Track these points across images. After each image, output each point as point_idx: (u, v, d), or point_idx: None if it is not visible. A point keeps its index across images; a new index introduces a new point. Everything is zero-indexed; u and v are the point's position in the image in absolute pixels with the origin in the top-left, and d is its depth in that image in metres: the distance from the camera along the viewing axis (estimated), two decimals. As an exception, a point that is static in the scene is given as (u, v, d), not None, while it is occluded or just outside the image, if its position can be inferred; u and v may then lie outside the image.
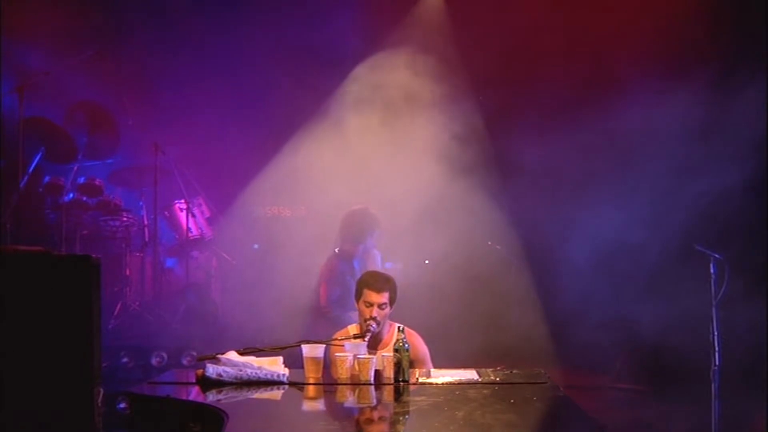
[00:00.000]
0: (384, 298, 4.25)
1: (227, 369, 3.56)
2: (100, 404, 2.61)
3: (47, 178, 7.42)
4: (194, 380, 3.58)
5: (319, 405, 3.52)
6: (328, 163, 6.95)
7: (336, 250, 5.82)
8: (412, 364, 3.79)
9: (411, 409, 3.26)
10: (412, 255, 6.75)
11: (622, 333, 6.83)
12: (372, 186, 6.63)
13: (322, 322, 5.65)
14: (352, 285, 5.59)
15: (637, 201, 6.57)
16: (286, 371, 3.65)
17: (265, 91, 7.71)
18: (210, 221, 7.95)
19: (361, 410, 3.43)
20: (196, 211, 7.76)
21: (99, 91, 7.68)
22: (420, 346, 4.35)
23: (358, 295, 4.32)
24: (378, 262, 5.87)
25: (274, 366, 3.66)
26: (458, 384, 3.61)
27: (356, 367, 3.69)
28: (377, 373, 3.71)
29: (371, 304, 4.24)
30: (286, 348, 3.86)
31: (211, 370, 3.54)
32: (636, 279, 6.80)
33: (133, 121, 7.76)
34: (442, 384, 3.62)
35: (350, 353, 3.77)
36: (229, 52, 7.70)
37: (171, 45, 7.74)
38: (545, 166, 6.89)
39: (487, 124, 7.20)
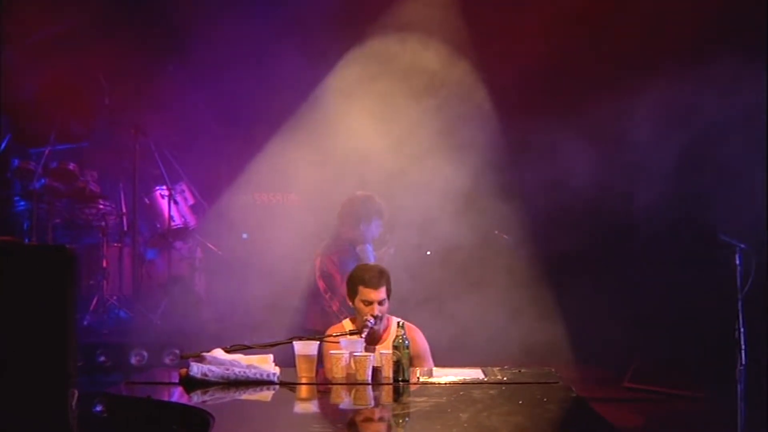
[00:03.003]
0: (382, 293, 4.28)
1: (213, 368, 3.56)
2: (74, 407, 2.61)
3: (16, 162, 7.40)
4: (177, 380, 3.58)
5: (313, 406, 3.53)
6: (322, 146, 6.93)
7: (330, 239, 5.80)
8: (411, 361, 3.79)
9: (411, 410, 3.27)
10: (413, 246, 6.75)
11: (639, 329, 6.85)
12: (370, 172, 6.62)
13: (317, 316, 5.65)
14: None
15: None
16: (277, 370, 3.65)
17: (255, 69, 7.68)
18: (194, 209, 7.94)
19: (358, 412, 3.43)
20: (179, 198, 7.74)
21: (73, 68, 7.64)
22: (420, 342, 4.37)
23: (353, 294, 4.33)
24: (370, 257, 5.86)
25: (264, 364, 3.66)
26: (462, 384, 3.62)
27: (352, 365, 3.70)
28: (375, 371, 3.72)
29: (370, 302, 4.25)
30: (276, 345, 3.86)
31: (196, 369, 3.54)
32: (651, 271, 6.82)
33: (110, 101, 7.73)
34: (445, 384, 3.62)
35: (346, 351, 3.77)
36: (215, 27, 7.66)
37: (152, 19, 7.70)
38: (557, 150, 6.88)
39: (495, 106, 7.18)
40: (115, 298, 7.30)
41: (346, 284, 4.44)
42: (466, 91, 7.06)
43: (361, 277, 4.32)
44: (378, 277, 4.30)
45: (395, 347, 3.69)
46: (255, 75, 7.66)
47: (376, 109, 6.84)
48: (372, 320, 4.21)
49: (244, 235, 7.75)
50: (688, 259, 6.45)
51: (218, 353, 3.66)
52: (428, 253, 6.70)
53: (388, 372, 3.71)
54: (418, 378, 3.73)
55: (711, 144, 6.25)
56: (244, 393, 3.47)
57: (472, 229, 6.71)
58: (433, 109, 6.88)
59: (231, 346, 3.75)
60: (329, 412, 3.46)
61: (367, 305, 4.25)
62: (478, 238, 6.76)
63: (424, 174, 6.58)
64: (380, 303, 4.26)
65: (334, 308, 5.53)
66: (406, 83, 6.91)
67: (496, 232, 6.96)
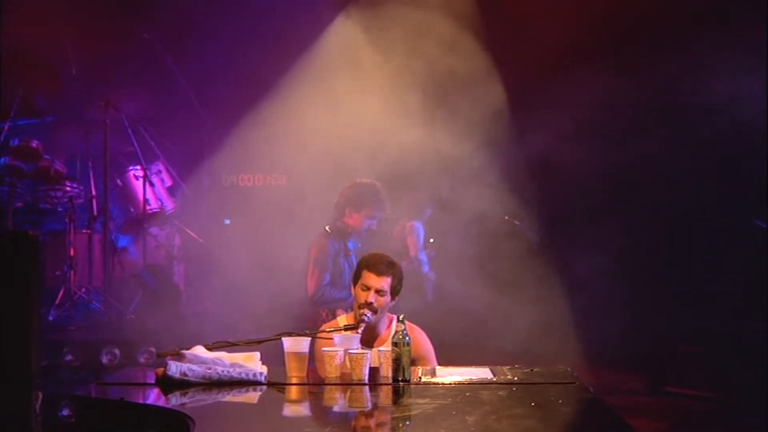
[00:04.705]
0: (384, 283, 4.28)
1: (193, 367, 3.56)
2: (38, 411, 2.61)
3: (-27, 141, 7.39)
4: (153, 381, 3.59)
5: (303, 409, 3.53)
6: (312, 122, 6.92)
7: (327, 227, 5.81)
8: (413, 363, 3.80)
9: (413, 413, 3.27)
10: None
11: (662, 326, 6.87)
12: (366, 152, 6.61)
13: (309, 311, 5.66)
14: (346, 268, 5.62)
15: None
16: (264, 369, 3.65)
17: (238, 38, 7.65)
18: (172, 191, 7.94)
19: (354, 415, 3.44)
20: (155, 179, 7.73)
21: (35, 34, 7.60)
22: (423, 343, 4.37)
23: (356, 278, 4.35)
24: (420, 239, 5.86)
25: (250, 363, 3.66)
26: (469, 384, 3.62)
27: (348, 363, 3.70)
28: (372, 371, 3.72)
29: (368, 288, 4.27)
30: (263, 341, 3.86)
31: (174, 368, 3.54)
32: (680, 261, 6.83)
33: (77, 71, 7.70)
34: (450, 384, 3.63)
35: (340, 348, 3.77)
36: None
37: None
38: (571, 132, 6.89)
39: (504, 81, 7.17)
40: (83, 290, 7.30)
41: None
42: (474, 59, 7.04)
43: (368, 261, 4.35)
44: (385, 265, 4.32)
45: (395, 344, 3.68)
46: (239, 42, 7.63)
47: (374, 83, 6.82)
48: (369, 315, 4.22)
49: (227, 221, 7.75)
50: (718, 247, 6.46)
51: (199, 351, 3.66)
52: (431, 240, 6.72)
53: (386, 371, 3.71)
54: (420, 378, 3.73)
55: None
56: (228, 394, 3.47)
57: (479, 215, 6.72)
58: (438, 81, 6.87)
59: (213, 343, 3.75)
60: (322, 414, 3.46)
61: (363, 290, 4.27)
62: (485, 224, 6.78)
63: (429, 148, 6.58)
64: (379, 293, 4.26)
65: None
66: (407, 51, 6.88)
67: (506, 217, 6.97)
